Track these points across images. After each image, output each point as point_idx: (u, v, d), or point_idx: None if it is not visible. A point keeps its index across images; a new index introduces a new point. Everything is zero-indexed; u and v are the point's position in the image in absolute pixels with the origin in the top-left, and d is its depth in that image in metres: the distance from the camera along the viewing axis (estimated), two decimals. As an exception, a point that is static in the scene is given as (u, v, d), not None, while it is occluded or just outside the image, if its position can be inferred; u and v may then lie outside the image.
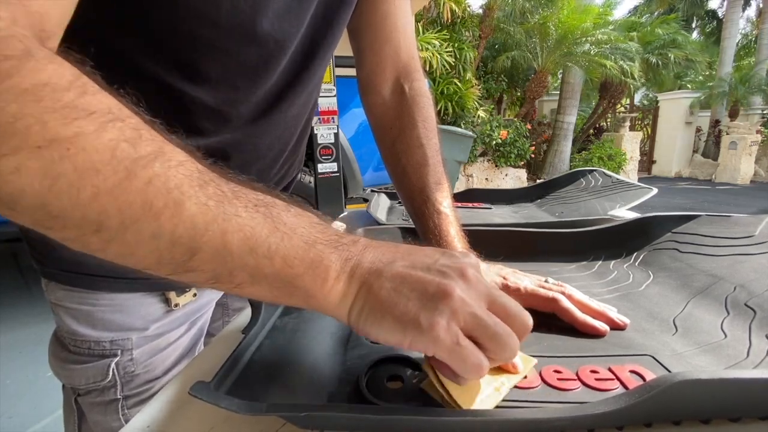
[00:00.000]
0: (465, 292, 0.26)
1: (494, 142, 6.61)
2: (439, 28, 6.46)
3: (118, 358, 0.49)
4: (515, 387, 0.30)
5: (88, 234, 0.23)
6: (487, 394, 0.28)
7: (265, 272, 0.25)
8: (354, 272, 0.27)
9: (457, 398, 0.27)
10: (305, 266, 0.25)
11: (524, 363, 0.31)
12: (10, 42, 0.21)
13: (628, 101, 12.35)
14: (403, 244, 0.31)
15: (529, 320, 0.27)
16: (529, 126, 7.52)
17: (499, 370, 0.30)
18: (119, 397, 0.50)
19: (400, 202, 0.92)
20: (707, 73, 11.59)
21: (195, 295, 0.54)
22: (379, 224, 0.74)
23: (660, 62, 8.89)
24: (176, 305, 0.52)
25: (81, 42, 0.26)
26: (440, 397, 0.28)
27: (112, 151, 0.22)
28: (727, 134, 9.15)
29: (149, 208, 0.22)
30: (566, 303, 0.40)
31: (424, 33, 6.05)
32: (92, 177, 0.21)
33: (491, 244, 0.53)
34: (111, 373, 0.49)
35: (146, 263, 0.24)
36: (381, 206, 0.88)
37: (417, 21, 6.12)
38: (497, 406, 0.28)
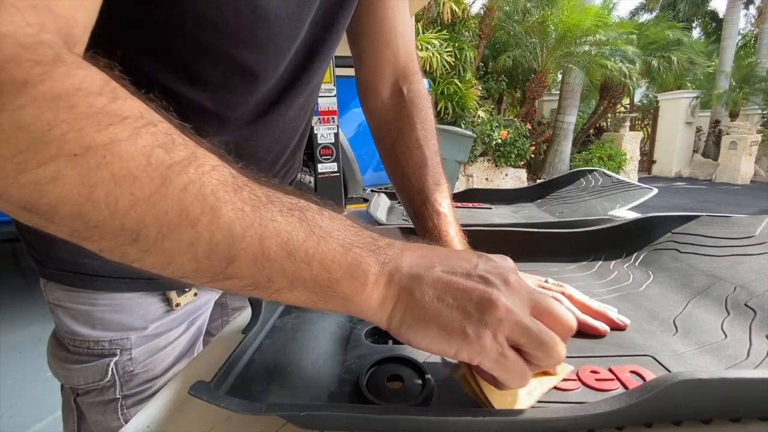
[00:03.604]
0: (509, 299, 0.25)
1: (494, 142, 6.61)
2: (439, 28, 6.47)
3: (117, 357, 0.49)
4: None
5: (126, 244, 0.22)
6: (519, 396, 0.27)
7: (303, 277, 0.24)
8: (393, 276, 0.26)
9: (491, 398, 0.27)
10: (343, 270, 0.25)
11: (561, 368, 0.30)
12: (40, 48, 0.21)
13: (628, 101, 12.35)
14: (438, 246, 0.30)
15: (573, 322, 0.27)
16: (529, 126, 7.51)
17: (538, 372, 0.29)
18: (118, 396, 0.50)
19: (399, 202, 0.92)
20: (708, 70, 11.58)
21: (196, 294, 0.54)
22: (379, 224, 0.74)
23: (661, 66, 8.86)
24: (177, 305, 0.52)
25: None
26: (472, 393, 0.28)
27: (147, 157, 0.21)
28: (727, 134, 9.14)
29: (186, 216, 0.22)
30: (566, 303, 0.40)
31: (424, 33, 6.06)
32: (129, 185, 0.21)
33: (491, 244, 0.52)
34: (110, 372, 0.49)
35: (184, 272, 0.24)
36: (381, 206, 0.88)
37: (417, 21, 6.13)
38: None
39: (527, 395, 0.27)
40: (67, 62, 0.21)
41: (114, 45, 0.30)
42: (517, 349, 0.25)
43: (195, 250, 0.23)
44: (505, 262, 0.29)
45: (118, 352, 0.49)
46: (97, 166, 0.20)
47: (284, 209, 0.25)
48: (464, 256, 0.29)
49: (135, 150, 0.21)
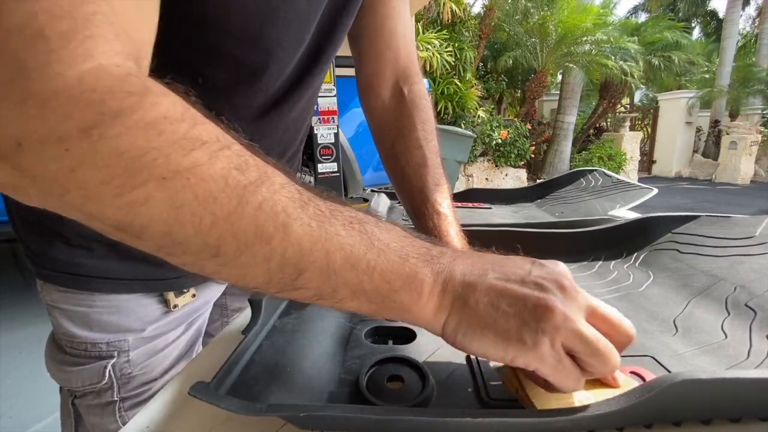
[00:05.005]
0: (565, 305, 0.25)
1: (494, 142, 6.61)
2: (439, 28, 6.47)
3: (114, 359, 0.49)
4: None
5: (205, 259, 0.24)
6: (567, 402, 0.27)
7: (365, 288, 0.26)
8: (447, 285, 0.27)
9: (537, 403, 0.27)
10: (401, 281, 0.26)
11: (625, 382, 0.29)
12: (129, 79, 0.22)
13: (628, 101, 12.35)
14: (489, 253, 0.30)
15: (632, 329, 0.27)
16: (529, 126, 7.51)
17: (598, 381, 0.28)
18: (116, 399, 0.50)
19: (399, 202, 0.92)
20: (706, 71, 11.59)
21: (194, 295, 0.54)
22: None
23: (663, 64, 8.89)
24: (175, 306, 0.52)
25: None
26: (515, 391, 0.28)
27: (225, 179, 0.23)
28: (727, 134, 9.14)
29: (261, 233, 0.23)
30: None
31: (424, 33, 6.05)
32: (211, 205, 0.22)
33: (491, 244, 0.52)
34: (107, 374, 0.49)
35: (257, 283, 0.25)
36: (381, 206, 0.88)
37: (417, 21, 6.12)
38: None
39: (578, 404, 0.27)
40: (154, 92, 0.23)
41: None
42: (572, 355, 0.25)
43: (268, 264, 0.24)
44: (557, 267, 0.28)
45: (115, 354, 0.49)
46: (182, 188, 0.22)
47: (346, 222, 0.26)
48: (517, 262, 0.29)
49: (214, 172, 0.23)
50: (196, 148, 0.22)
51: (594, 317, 0.26)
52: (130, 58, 0.24)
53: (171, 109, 0.23)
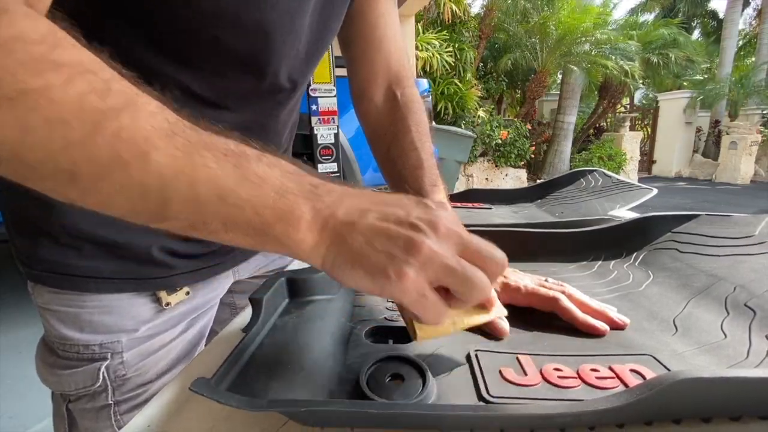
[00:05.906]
0: (436, 243, 0.27)
1: (494, 142, 6.61)
2: (440, 28, 6.47)
3: (108, 361, 0.48)
4: (516, 384, 0.30)
5: (64, 185, 0.24)
6: (443, 328, 0.30)
7: (236, 221, 0.26)
8: (327, 222, 0.27)
9: (417, 329, 0.30)
10: (276, 216, 0.26)
11: (497, 308, 0.33)
12: None
13: (628, 101, 12.35)
14: (381, 192, 0.31)
15: (503, 258, 0.29)
16: (529, 126, 7.52)
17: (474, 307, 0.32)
18: (111, 402, 0.49)
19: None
20: (706, 72, 11.60)
21: (188, 293, 0.53)
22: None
23: (661, 62, 8.92)
24: (168, 304, 0.51)
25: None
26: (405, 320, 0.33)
27: (80, 103, 0.22)
28: (727, 134, 9.14)
29: (118, 160, 0.23)
30: (566, 302, 0.40)
31: (424, 33, 6.06)
32: (61, 128, 0.22)
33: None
34: (101, 377, 0.48)
35: (122, 212, 0.25)
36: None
37: (417, 21, 6.12)
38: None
39: (451, 324, 0.31)
40: (10, 12, 0.22)
41: (101, 28, 0.29)
42: (447, 289, 0.27)
43: (129, 192, 0.24)
44: (440, 210, 0.29)
45: (108, 355, 0.48)
46: (31, 109, 0.22)
47: (219, 155, 0.26)
48: (402, 203, 0.29)
49: (67, 96, 0.22)
50: (50, 70, 0.22)
51: (466, 253, 0.28)
52: None
53: (29, 30, 0.22)
